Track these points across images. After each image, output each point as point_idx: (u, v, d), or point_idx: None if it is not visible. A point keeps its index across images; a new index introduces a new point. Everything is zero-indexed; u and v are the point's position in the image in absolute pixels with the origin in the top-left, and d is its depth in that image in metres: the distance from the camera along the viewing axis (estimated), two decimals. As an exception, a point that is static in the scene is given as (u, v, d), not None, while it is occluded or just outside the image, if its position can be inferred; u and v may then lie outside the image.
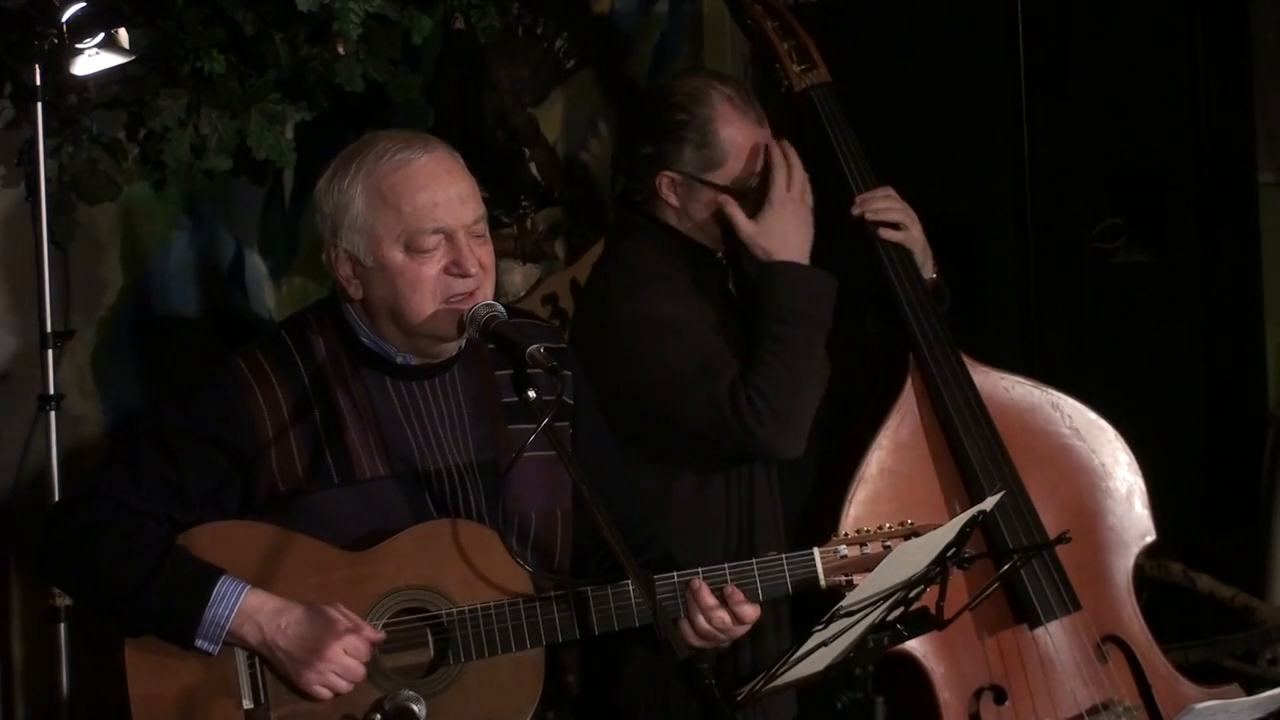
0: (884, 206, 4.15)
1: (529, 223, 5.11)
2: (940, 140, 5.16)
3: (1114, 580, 4.10)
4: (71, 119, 4.52)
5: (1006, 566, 3.71)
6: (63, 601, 4.29)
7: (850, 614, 3.30)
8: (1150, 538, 4.14)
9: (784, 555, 3.53)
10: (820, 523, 3.94)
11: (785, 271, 4.00)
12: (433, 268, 3.44)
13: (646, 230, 4.11)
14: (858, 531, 3.58)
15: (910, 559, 3.33)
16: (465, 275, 3.44)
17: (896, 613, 3.41)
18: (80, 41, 4.27)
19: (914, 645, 3.89)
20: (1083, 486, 4.13)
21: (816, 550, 3.54)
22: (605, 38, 5.35)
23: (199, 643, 3.37)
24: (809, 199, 4.06)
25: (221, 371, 3.51)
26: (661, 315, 3.97)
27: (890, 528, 3.58)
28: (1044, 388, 4.18)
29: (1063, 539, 3.63)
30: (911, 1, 5.33)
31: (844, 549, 3.54)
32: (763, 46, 4.28)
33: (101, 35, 4.28)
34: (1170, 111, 5.51)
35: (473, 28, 4.79)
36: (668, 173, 4.06)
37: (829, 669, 3.44)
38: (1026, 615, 4.00)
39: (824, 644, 3.34)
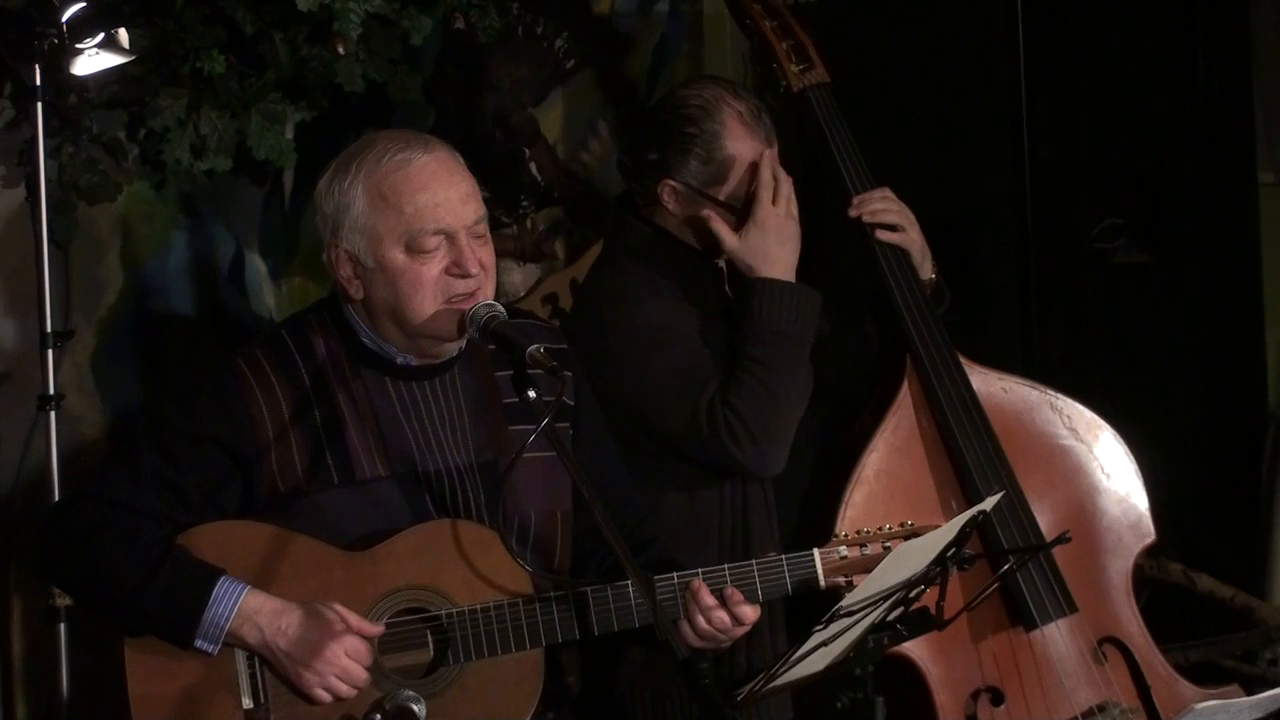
0: (881, 208, 4.15)
1: (529, 223, 5.11)
2: (940, 140, 5.16)
3: (1112, 581, 4.10)
4: (71, 119, 4.52)
5: (1006, 567, 3.71)
6: (63, 601, 4.29)
7: (850, 614, 3.30)
8: (1149, 539, 4.14)
9: (784, 556, 3.53)
10: (817, 525, 3.94)
11: (767, 290, 3.98)
12: (434, 268, 3.44)
13: (643, 233, 4.11)
14: (857, 532, 3.58)
15: (910, 559, 3.34)
16: (466, 275, 3.44)
17: (896, 613, 3.42)
18: (80, 41, 4.27)
19: (910, 647, 3.88)
20: (1080, 487, 4.13)
21: (816, 551, 3.54)
22: (605, 38, 5.35)
23: (199, 643, 3.37)
24: (794, 212, 4.03)
25: (222, 371, 3.51)
26: (650, 323, 3.96)
27: (890, 528, 3.58)
28: (1042, 388, 4.18)
29: (1063, 539, 3.63)
30: (911, 1, 5.33)
31: (844, 550, 3.55)
32: (761, 46, 4.28)
33: (101, 35, 4.28)
34: (1170, 111, 5.50)
35: (473, 28, 4.79)
36: (670, 181, 4.06)
37: (829, 669, 3.44)
38: (1023, 617, 4.00)
39: (824, 644, 3.34)
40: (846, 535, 3.57)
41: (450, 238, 3.45)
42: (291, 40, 4.60)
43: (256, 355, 3.52)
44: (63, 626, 4.31)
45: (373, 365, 3.53)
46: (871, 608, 3.33)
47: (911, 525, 3.59)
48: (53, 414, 4.30)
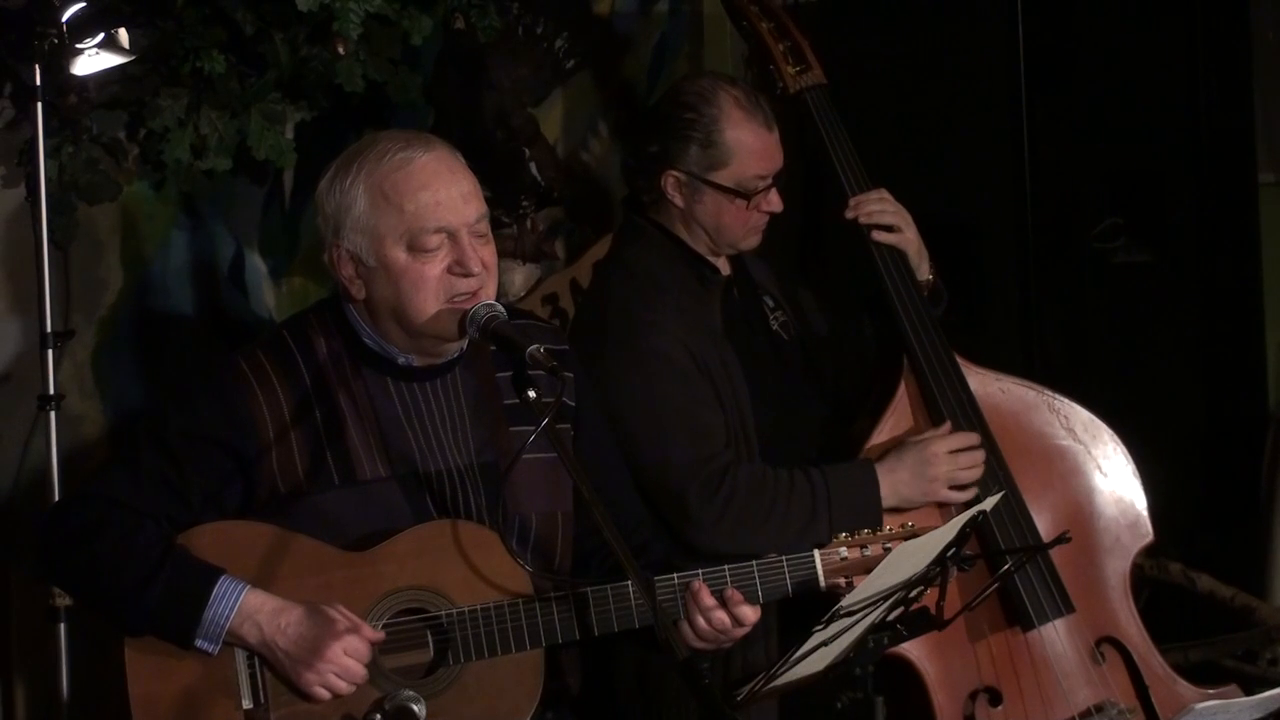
0: (877, 209, 4.15)
1: (529, 223, 5.11)
2: (940, 140, 5.16)
3: (1110, 582, 4.10)
4: (71, 119, 4.52)
5: (1005, 568, 3.71)
6: (63, 601, 4.29)
7: (850, 614, 3.31)
8: (1147, 539, 4.13)
9: (784, 557, 3.53)
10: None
11: (865, 475, 3.99)
12: (435, 267, 3.44)
13: (652, 237, 4.12)
14: (857, 533, 3.58)
15: (910, 560, 3.34)
16: (468, 275, 3.44)
17: (896, 613, 3.42)
18: (80, 41, 4.27)
19: (908, 647, 3.88)
20: (1078, 488, 4.13)
21: (816, 552, 3.54)
22: (605, 38, 5.35)
23: (199, 643, 3.37)
24: (958, 478, 4.01)
25: (222, 371, 3.51)
26: (654, 351, 3.96)
27: (890, 529, 3.58)
28: (1039, 388, 4.18)
29: (1062, 540, 3.63)
30: (911, 1, 5.33)
31: (844, 550, 3.54)
32: (758, 48, 4.29)
33: (101, 35, 4.28)
34: (1170, 111, 5.50)
35: (473, 28, 4.79)
36: (672, 172, 4.07)
37: (829, 669, 3.44)
38: (1020, 618, 4.00)
39: (824, 644, 3.34)
40: (846, 536, 3.57)
41: (452, 236, 3.45)
42: (291, 40, 4.61)
43: (257, 355, 3.51)
44: (63, 626, 4.32)
45: (374, 365, 3.53)
46: (871, 608, 3.33)
47: (911, 526, 3.59)
48: (53, 414, 4.31)
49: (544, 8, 5.15)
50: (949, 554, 3.36)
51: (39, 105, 4.30)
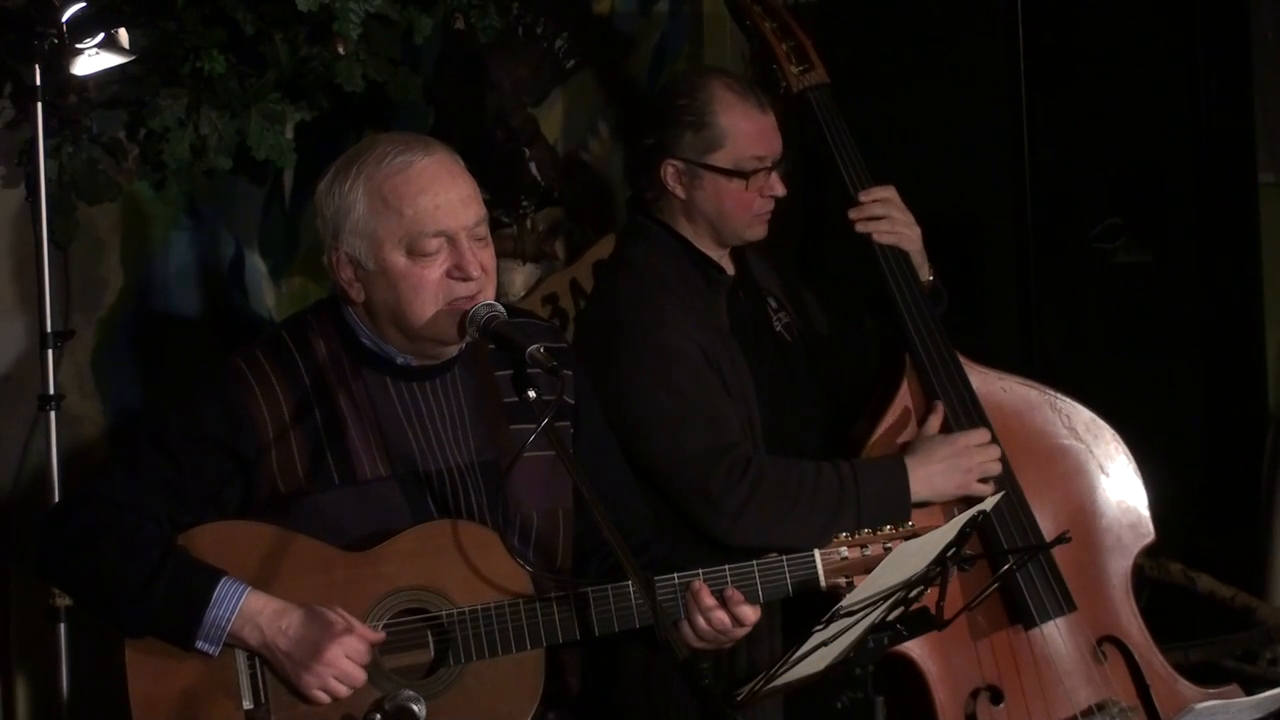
0: (881, 213, 4.15)
1: (529, 223, 5.11)
2: (940, 140, 5.16)
3: (1111, 581, 4.10)
4: (71, 119, 4.52)
5: (1006, 567, 3.71)
6: (63, 601, 4.29)
7: (850, 614, 3.30)
8: (1148, 538, 4.14)
9: (784, 557, 3.53)
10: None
11: (895, 467, 3.99)
12: (435, 271, 3.44)
13: (658, 237, 4.12)
14: (858, 533, 3.58)
15: (910, 559, 3.34)
16: (467, 279, 3.44)
17: (897, 613, 3.42)
18: (80, 41, 4.27)
19: (910, 646, 3.88)
20: (1080, 487, 4.13)
21: (817, 552, 3.54)
22: (605, 38, 5.35)
23: (199, 644, 3.37)
24: (986, 470, 4.02)
25: (222, 372, 3.50)
26: (665, 345, 3.97)
27: (890, 528, 3.58)
28: (1042, 388, 4.18)
29: (1063, 539, 3.64)
30: (911, 1, 5.33)
31: (844, 550, 3.55)
32: (761, 48, 4.29)
33: (101, 35, 4.28)
34: (1170, 111, 5.50)
35: (473, 28, 4.79)
36: (670, 161, 4.08)
37: (829, 669, 3.44)
38: (1022, 616, 4.00)
39: (824, 644, 3.34)
40: (847, 535, 3.57)
41: (451, 240, 3.44)
42: (291, 40, 4.61)
43: (257, 356, 3.51)
44: (63, 626, 4.32)
45: (373, 365, 3.53)
46: (871, 608, 3.33)
47: (911, 525, 3.59)
48: (53, 414, 4.31)
49: (544, 8, 5.15)
50: (949, 554, 3.35)
51: (39, 105, 4.30)
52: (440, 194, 3.44)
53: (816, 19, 5.03)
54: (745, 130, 4.06)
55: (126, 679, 3.40)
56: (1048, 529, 4.03)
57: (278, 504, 3.45)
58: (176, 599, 3.35)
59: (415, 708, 3.36)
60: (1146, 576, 4.86)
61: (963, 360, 4.12)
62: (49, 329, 4.32)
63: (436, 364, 3.55)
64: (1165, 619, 4.27)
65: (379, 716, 3.35)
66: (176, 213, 4.78)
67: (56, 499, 4.23)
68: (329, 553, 3.43)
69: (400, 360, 3.53)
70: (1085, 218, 5.40)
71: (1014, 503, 4.02)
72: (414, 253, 3.43)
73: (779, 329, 4.25)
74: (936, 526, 3.41)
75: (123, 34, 4.33)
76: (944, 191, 4.92)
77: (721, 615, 3.45)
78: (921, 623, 3.49)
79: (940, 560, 3.36)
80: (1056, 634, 4.01)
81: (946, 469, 3.98)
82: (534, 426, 3.30)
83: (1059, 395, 4.17)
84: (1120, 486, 4.13)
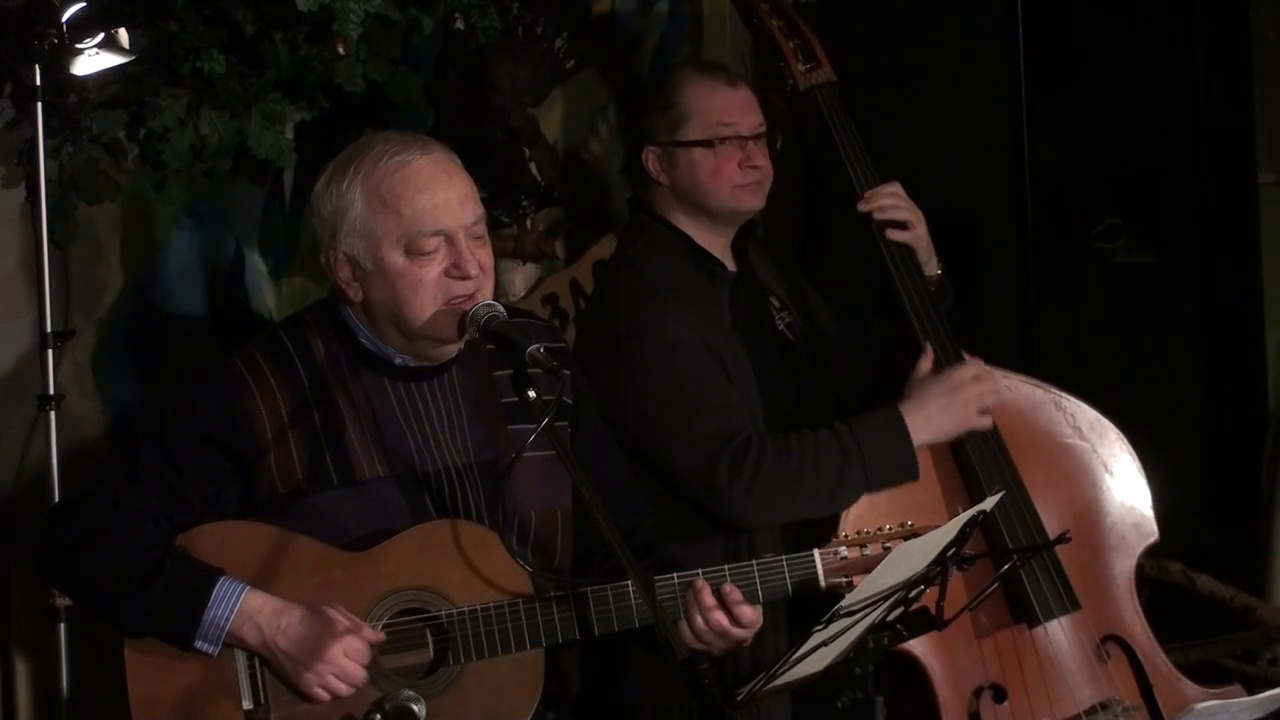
0: (890, 204, 4.15)
1: (529, 223, 5.11)
2: (940, 140, 5.17)
3: (1115, 580, 4.10)
4: (71, 119, 4.52)
5: (1006, 567, 3.71)
6: (63, 601, 4.29)
7: (850, 614, 3.30)
8: (1152, 538, 4.13)
9: (784, 557, 3.53)
10: (818, 524, 3.93)
11: (891, 417, 3.99)
12: (433, 270, 3.43)
13: (658, 234, 4.13)
14: (858, 533, 3.58)
15: (910, 559, 3.33)
16: (466, 278, 3.43)
17: (897, 613, 3.41)
18: (80, 41, 4.27)
19: (913, 644, 3.88)
20: (1084, 486, 4.13)
21: (816, 551, 3.54)
22: (605, 38, 5.35)
23: (199, 644, 3.37)
24: (985, 403, 4.02)
25: (220, 372, 3.50)
26: (674, 338, 3.97)
27: (890, 528, 3.58)
28: (1046, 387, 4.18)
29: (1063, 539, 3.63)
30: (912, 1, 5.33)
31: (844, 550, 3.54)
32: (768, 45, 4.30)
33: (101, 35, 4.28)
34: (1170, 111, 5.51)
35: (473, 28, 4.79)
36: (650, 148, 4.15)
37: (829, 669, 3.44)
38: (1025, 615, 4.00)
39: (824, 644, 3.34)
40: (847, 535, 3.57)
41: (449, 239, 3.44)
42: (291, 40, 4.61)
43: (255, 356, 3.51)
44: (63, 626, 4.31)
45: (371, 366, 3.52)
46: (871, 608, 3.33)
47: (911, 525, 3.59)
48: (53, 414, 4.30)
49: (544, 8, 5.15)
50: (949, 554, 3.35)
51: (39, 105, 4.30)
52: (438, 193, 3.44)
53: (817, 18, 5.03)
54: (710, 103, 4.11)
55: (126, 679, 3.39)
56: (1052, 528, 4.02)
57: (276, 504, 3.45)
58: (175, 599, 3.35)
59: (415, 708, 3.36)
60: (1146, 576, 4.86)
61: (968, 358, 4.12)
62: (49, 329, 4.32)
63: (435, 364, 3.54)
64: (1165, 619, 4.27)
65: (379, 716, 3.34)
66: (176, 213, 4.78)
67: (56, 499, 4.23)
68: (328, 553, 3.42)
69: (399, 360, 3.53)
70: (1085, 218, 5.41)
71: (1019, 502, 4.02)
72: (412, 252, 3.43)
73: (781, 328, 4.25)
74: (937, 526, 3.41)
75: (123, 34, 4.33)
76: (944, 191, 4.91)
77: (720, 615, 3.44)
78: (921, 623, 3.49)
79: (940, 560, 3.35)
80: (1060, 633, 4.01)
81: (944, 407, 3.98)
82: (533, 426, 3.30)
83: (1063, 394, 4.16)
84: (1124, 486, 4.13)
